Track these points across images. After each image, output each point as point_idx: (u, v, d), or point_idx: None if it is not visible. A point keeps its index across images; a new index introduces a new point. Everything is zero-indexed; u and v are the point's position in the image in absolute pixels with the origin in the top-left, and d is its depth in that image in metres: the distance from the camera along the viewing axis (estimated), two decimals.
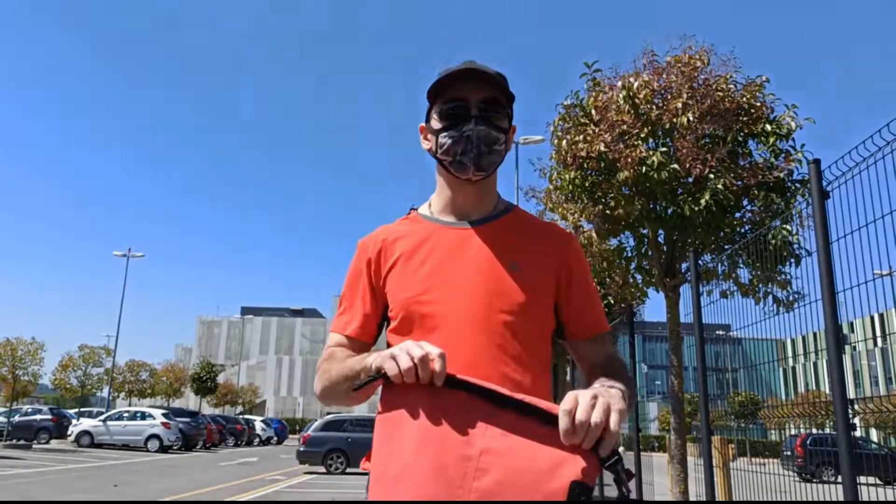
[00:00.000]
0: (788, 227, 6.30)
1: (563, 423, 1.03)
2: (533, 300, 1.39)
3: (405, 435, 1.10)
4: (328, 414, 20.65)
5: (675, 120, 6.76)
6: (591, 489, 1.01)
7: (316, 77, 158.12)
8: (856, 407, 3.74)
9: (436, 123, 1.43)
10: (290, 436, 44.86)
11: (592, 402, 1.04)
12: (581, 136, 7.16)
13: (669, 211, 7.07)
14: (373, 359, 1.21)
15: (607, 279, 8.41)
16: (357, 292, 1.49)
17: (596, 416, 1.03)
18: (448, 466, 1.05)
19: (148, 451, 24.07)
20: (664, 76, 7.15)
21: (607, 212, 7.27)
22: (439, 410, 1.09)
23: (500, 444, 1.06)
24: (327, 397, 1.40)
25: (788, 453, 12.08)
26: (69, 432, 25.98)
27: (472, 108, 1.39)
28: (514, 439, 1.06)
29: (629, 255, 7.86)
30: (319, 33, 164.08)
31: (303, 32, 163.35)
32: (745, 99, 6.98)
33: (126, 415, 25.99)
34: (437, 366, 1.09)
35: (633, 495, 0.95)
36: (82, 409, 38.26)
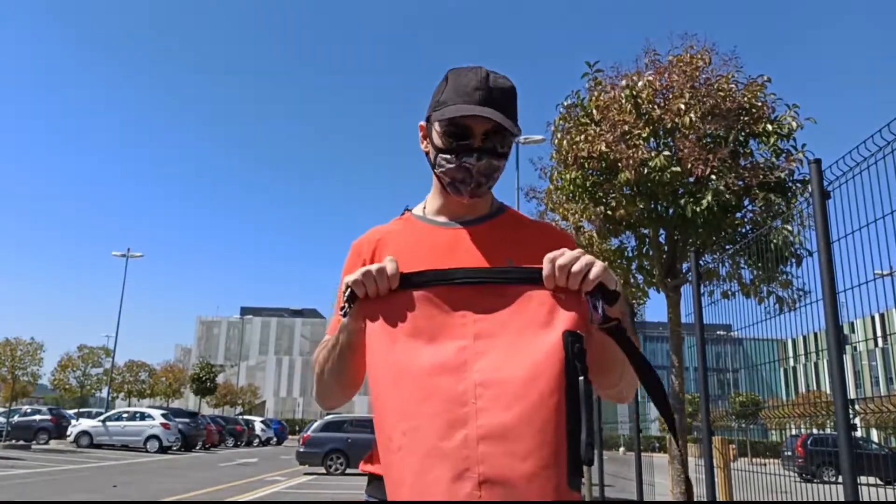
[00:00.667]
0: (789, 227, 6.30)
1: (546, 268, 1.11)
2: None
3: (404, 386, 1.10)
4: (328, 415, 20.61)
5: (676, 120, 6.75)
6: (581, 337, 1.07)
7: (316, 77, 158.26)
8: (856, 407, 3.73)
9: (437, 138, 1.40)
10: (290, 436, 44.83)
11: (577, 253, 1.11)
12: (582, 136, 7.15)
13: (671, 211, 7.06)
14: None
15: None
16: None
17: (578, 265, 1.10)
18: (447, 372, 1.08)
19: (147, 451, 24.06)
20: (666, 76, 7.14)
21: (608, 212, 7.26)
22: (421, 322, 1.12)
23: (489, 324, 1.11)
24: (322, 390, 1.40)
25: (789, 453, 12.06)
26: (68, 433, 25.96)
27: (476, 140, 1.35)
28: (501, 314, 1.11)
29: (630, 255, 7.85)
30: (320, 33, 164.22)
31: (303, 32, 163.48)
32: (746, 99, 6.97)
33: (125, 415, 25.97)
34: (389, 268, 1.15)
35: (599, 315, 0.92)
36: (81, 410, 38.23)
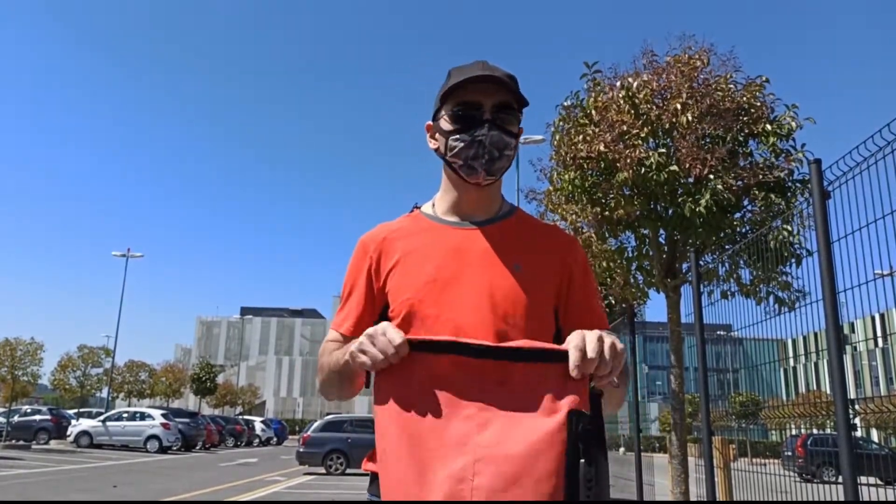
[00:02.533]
0: (789, 227, 6.30)
1: (573, 356, 1.06)
2: (534, 301, 1.38)
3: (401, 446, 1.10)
4: (328, 415, 20.61)
5: (674, 120, 6.75)
6: (586, 416, 1.06)
7: (317, 76, 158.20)
8: (857, 407, 3.73)
9: (446, 125, 1.41)
10: (290, 436, 44.82)
11: (598, 338, 1.08)
12: (581, 137, 7.15)
13: (670, 211, 7.06)
14: (352, 348, 1.20)
15: (608, 279, 8.40)
16: (354, 290, 1.47)
17: (605, 368, 1.07)
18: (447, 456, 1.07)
19: (147, 451, 24.05)
20: (664, 76, 7.14)
21: (607, 212, 7.26)
22: (427, 398, 1.11)
23: (495, 397, 1.10)
24: (326, 391, 1.44)
25: (789, 453, 12.07)
26: (68, 433, 25.95)
27: (486, 113, 1.37)
28: (508, 387, 1.10)
29: (630, 255, 7.85)
30: (320, 33, 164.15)
31: (303, 32, 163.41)
32: (745, 99, 6.97)
33: (125, 415, 25.96)
34: (396, 342, 1.10)
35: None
36: (81, 410, 38.25)
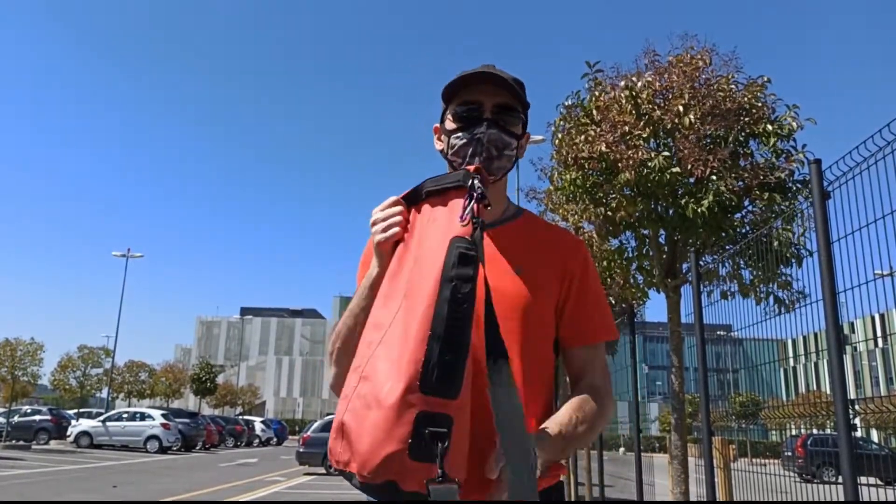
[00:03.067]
0: (790, 227, 6.30)
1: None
2: (535, 303, 1.38)
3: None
4: (328, 415, 20.61)
5: (676, 120, 6.75)
6: (461, 241, 1.15)
7: (317, 76, 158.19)
8: (857, 407, 3.72)
9: (449, 125, 1.43)
10: (290, 437, 44.82)
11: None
12: (582, 137, 7.15)
13: (671, 212, 7.06)
14: (369, 271, 1.32)
15: (608, 279, 8.40)
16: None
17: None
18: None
19: (147, 451, 24.05)
20: (666, 76, 7.14)
21: (608, 213, 7.26)
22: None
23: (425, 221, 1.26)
24: (341, 372, 1.32)
25: (789, 454, 12.06)
26: (68, 433, 25.96)
27: (486, 112, 1.38)
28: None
29: (630, 255, 7.85)
30: (320, 33, 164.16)
31: (304, 32, 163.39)
32: (746, 99, 6.97)
33: (125, 415, 25.98)
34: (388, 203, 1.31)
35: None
36: (81, 410, 38.30)
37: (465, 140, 1.39)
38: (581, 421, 1.32)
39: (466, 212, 1.14)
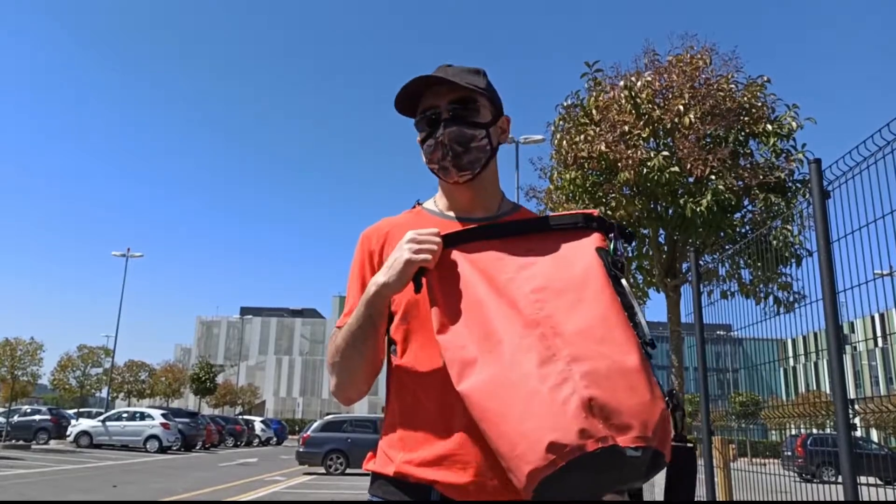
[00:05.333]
0: (789, 227, 6.30)
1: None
2: None
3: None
4: (328, 415, 20.60)
5: (676, 120, 6.75)
6: (608, 252, 1.23)
7: (317, 76, 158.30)
8: (856, 407, 3.72)
9: (419, 135, 1.44)
10: (290, 436, 44.80)
11: None
12: (581, 137, 7.15)
13: (670, 211, 7.06)
14: (381, 280, 1.28)
15: None
16: (357, 285, 1.46)
17: None
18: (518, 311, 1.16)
19: (147, 451, 24.04)
20: (665, 76, 7.14)
21: (608, 212, 7.26)
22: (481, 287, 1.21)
23: (528, 258, 1.24)
24: (342, 379, 1.36)
25: (789, 453, 12.05)
26: (68, 433, 25.93)
27: (443, 112, 1.38)
28: (536, 249, 1.25)
29: (630, 255, 7.85)
30: (319, 33, 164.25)
31: (304, 31, 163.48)
32: (746, 99, 6.97)
33: (125, 415, 25.95)
34: (435, 240, 1.25)
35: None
36: (81, 410, 38.23)
37: (431, 146, 1.39)
38: None
39: (619, 253, 1.24)
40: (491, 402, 1.06)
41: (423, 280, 1.25)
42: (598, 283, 1.16)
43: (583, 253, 1.22)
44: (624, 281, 1.19)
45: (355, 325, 1.30)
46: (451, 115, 1.38)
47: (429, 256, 1.23)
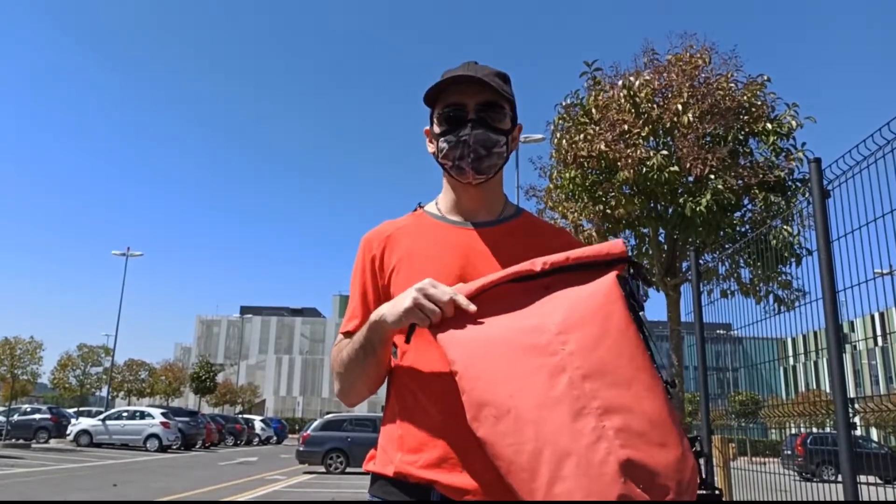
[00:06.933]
0: (789, 227, 6.30)
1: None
2: None
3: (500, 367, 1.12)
4: (328, 414, 20.61)
5: (675, 119, 6.75)
6: (627, 280, 1.20)
7: (317, 76, 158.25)
8: (856, 406, 3.72)
9: (436, 127, 1.43)
10: (290, 435, 44.83)
11: None
12: (581, 136, 7.15)
13: (670, 210, 7.06)
14: (383, 312, 1.25)
15: None
16: (359, 289, 1.47)
17: None
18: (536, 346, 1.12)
19: (147, 450, 24.06)
20: (665, 75, 7.14)
21: (607, 211, 7.26)
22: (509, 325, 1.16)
23: (547, 296, 1.19)
24: (350, 389, 1.40)
25: (789, 452, 12.05)
26: (68, 432, 25.95)
27: (470, 112, 1.38)
28: (563, 293, 1.20)
29: (630, 254, 7.86)
30: (321, 32, 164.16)
31: (304, 31, 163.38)
32: (745, 97, 6.97)
33: (125, 414, 25.97)
34: (462, 302, 1.17)
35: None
36: (81, 409, 38.22)
37: (451, 143, 1.39)
38: None
39: (640, 293, 1.22)
40: (519, 457, 1.02)
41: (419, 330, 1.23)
42: (621, 316, 1.12)
43: (603, 280, 1.17)
44: (643, 314, 1.17)
45: (358, 345, 1.32)
46: (478, 118, 1.38)
47: (427, 319, 1.18)
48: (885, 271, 3.28)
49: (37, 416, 27.13)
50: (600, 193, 7.25)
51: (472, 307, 1.16)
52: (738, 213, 6.99)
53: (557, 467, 0.99)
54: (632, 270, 1.21)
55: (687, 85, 6.94)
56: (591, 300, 1.15)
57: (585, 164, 7.10)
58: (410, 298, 1.18)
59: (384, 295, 1.44)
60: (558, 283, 1.19)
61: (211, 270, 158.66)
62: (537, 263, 1.20)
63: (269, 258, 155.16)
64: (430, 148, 1.49)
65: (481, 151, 1.38)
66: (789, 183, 6.89)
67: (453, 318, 1.17)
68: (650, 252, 7.61)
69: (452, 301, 1.16)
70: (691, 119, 6.68)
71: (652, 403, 1.05)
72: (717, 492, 1.15)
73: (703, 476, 1.11)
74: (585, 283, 1.18)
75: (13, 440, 26.01)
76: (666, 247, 7.48)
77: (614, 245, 1.21)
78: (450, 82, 1.37)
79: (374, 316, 1.27)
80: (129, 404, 50.00)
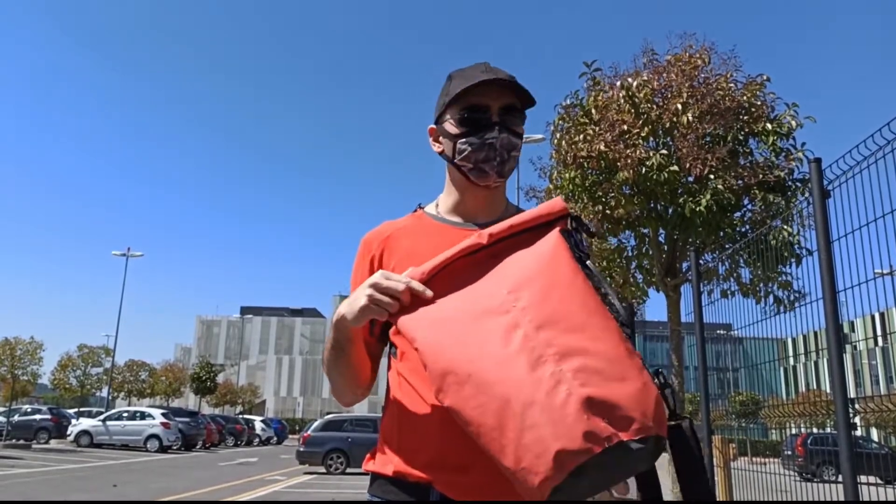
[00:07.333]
0: (789, 227, 6.30)
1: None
2: None
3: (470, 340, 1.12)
4: (328, 414, 20.62)
5: (675, 119, 6.75)
6: (571, 233, 1.22)
7: (317, 76, 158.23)
8: (856, 406, 3.72)
9: (452, 128, 1.41)
10: (290, 436, 44.82)
11: None
12: (581, 136, 7.15)
13: (670, 210, 7.06)
14: (343, 312, 1.24)
15: (608, 278, 8.40)
16: None
17: None
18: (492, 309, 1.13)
19: (147, 451, 24.05)
20: (664, 75, 7.14)
21: (607, 211, 7.26)
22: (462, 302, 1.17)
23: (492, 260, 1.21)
24: (334, 389, 1.43)
25: (789, 453, 12.04)
26: (68, 432, 25.95)
27: (493, 115, 1.38)
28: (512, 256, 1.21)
29: (630, 254, 7.86)
30: (321, 32, 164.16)
31: (304, 31, 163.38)
32: (745, 98, 6.97)
33: (125, 415, 25.98)
34: (417, 288, 1.17)
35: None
36: (81, 409, 38.20)
37: (474, 145, 1.37)
38: None
39: (584, 245, 1.24)
40: (486, 417, 1.03)
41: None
42: (568, 266, 1.15)
43: (547, 238, 1.20)
44: (590, 262, 1.19)
45: (330, 346, 1.34)
46: (503, 121, 1.38)
47: (385, 312, 1.17)
48: (885, 271, 3.27)
49: (37, 416, 27.14)
50: (600, 194, 7.25)
51: (429, 292, 1.17)
52: (737, 214, 6.99)
53: (523, 418, 1.00)
54: (574, 224, 1.23)
55: (686, 85, 6.94)
56: (539, 257, 1.17)
57: (585, 165, 7.10)
58: (365, 296, 1.18)
59: None
60: (506, 250, 1.21)
61: (211, 270, 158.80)
62: (483, 235, 1.21)
63: (269, 258, 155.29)
64: (437, 147, 1.47)
65: (505, 155, 1.38)
66: (789, 183, 6.88)
67: (411, 303, 1.18)
68: (650, 252, 7.61)
69: (408, 289, 1.16)
70: (691, 119, 6.68)
71: (606, 343, 1.06)
72: (685, 418, 1.15)
73: (672, 407, 1.11)
74: (532, 244, 1.20)
75: (13, 441, 26.01)
76: (666, 247, 7.47)
77: (554, 203, 1.23)
78: (482, 84, 1.35)
79: (335, 315, 1.27)
80: (129, 405, 49.99)
